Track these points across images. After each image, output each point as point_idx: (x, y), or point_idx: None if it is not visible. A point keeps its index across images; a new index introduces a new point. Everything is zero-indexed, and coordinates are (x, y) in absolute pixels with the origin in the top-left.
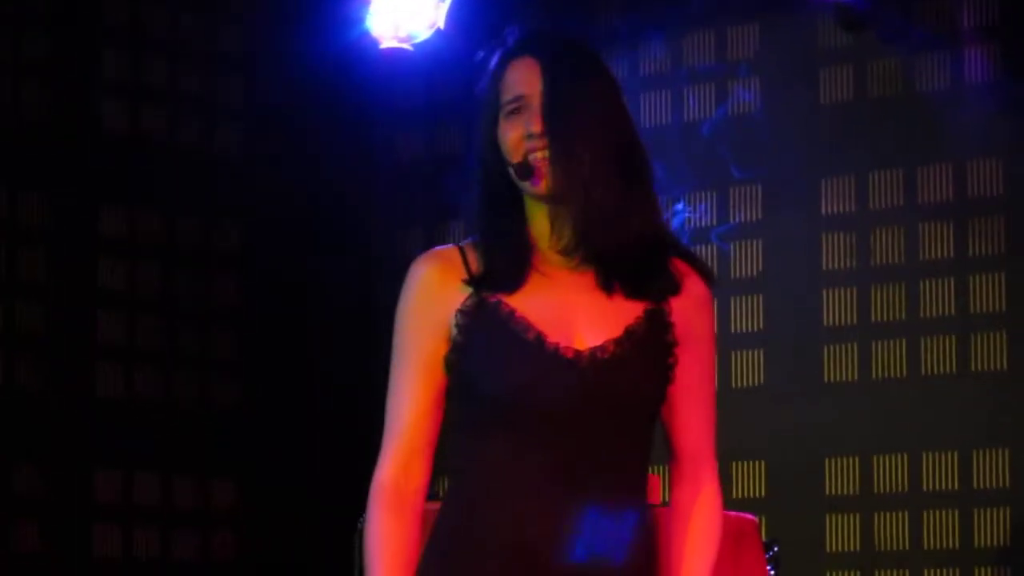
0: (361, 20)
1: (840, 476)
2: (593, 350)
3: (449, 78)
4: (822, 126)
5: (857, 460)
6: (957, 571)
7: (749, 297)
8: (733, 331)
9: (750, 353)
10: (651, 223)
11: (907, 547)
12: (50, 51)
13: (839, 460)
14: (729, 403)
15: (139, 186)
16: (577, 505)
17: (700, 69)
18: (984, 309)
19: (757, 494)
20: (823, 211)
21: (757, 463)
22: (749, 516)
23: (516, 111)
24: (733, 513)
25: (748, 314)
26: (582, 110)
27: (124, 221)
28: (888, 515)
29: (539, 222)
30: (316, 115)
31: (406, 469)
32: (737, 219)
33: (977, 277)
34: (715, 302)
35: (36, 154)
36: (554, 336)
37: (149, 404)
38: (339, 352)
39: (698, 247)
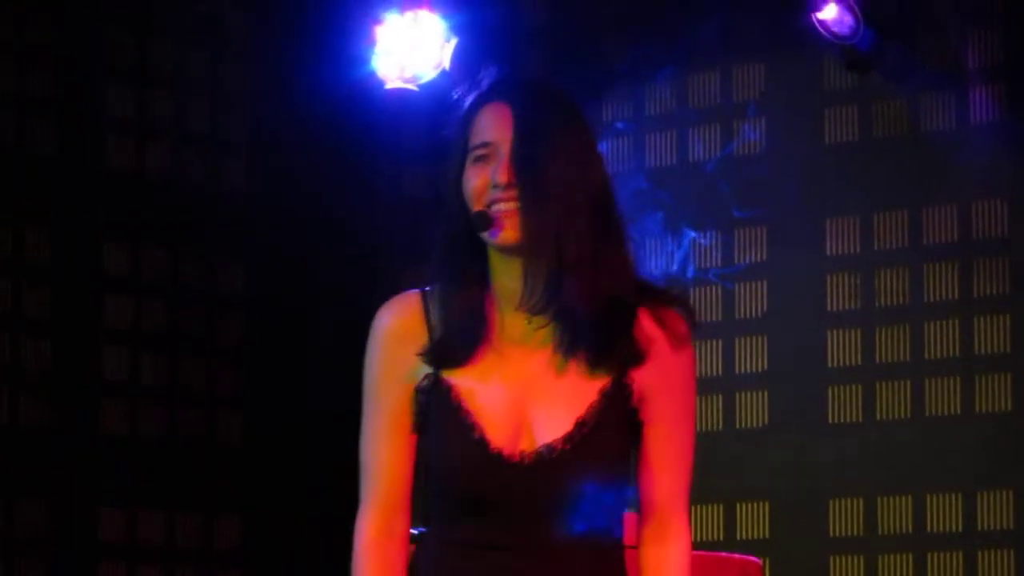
0: (367, 60)
1: (844, 517)
2: (539, 451)
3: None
4: (827, 166)
5: (861, 501)
6: None
7: (753, 337)
8: (737, 371)
9: (754, 394)
10: (624, 278)
11: None
12: (55, 88)
13: (843, 501)
14: (733, 444)
15: (144, 223)
16: None
17: (705, 109)
18: (989, 350)
19: (761, 535)
20: (828, 251)
21: (761, 504)
22: (754, 559)
23: (483, 158)
24: (737, 556)
25: (752, 354)
26: (553, 161)
27: (128, 258)
28: (892, 556)
29: (503, 277)
30: (321, 154)
31: (389, 525)
32: (742, 259)
33: (981, 318)
34: (694, 344)
35: (41, 191)
36: (500, 435)
37: (153, 441)
38: (343, 389)
39: (702, 287)
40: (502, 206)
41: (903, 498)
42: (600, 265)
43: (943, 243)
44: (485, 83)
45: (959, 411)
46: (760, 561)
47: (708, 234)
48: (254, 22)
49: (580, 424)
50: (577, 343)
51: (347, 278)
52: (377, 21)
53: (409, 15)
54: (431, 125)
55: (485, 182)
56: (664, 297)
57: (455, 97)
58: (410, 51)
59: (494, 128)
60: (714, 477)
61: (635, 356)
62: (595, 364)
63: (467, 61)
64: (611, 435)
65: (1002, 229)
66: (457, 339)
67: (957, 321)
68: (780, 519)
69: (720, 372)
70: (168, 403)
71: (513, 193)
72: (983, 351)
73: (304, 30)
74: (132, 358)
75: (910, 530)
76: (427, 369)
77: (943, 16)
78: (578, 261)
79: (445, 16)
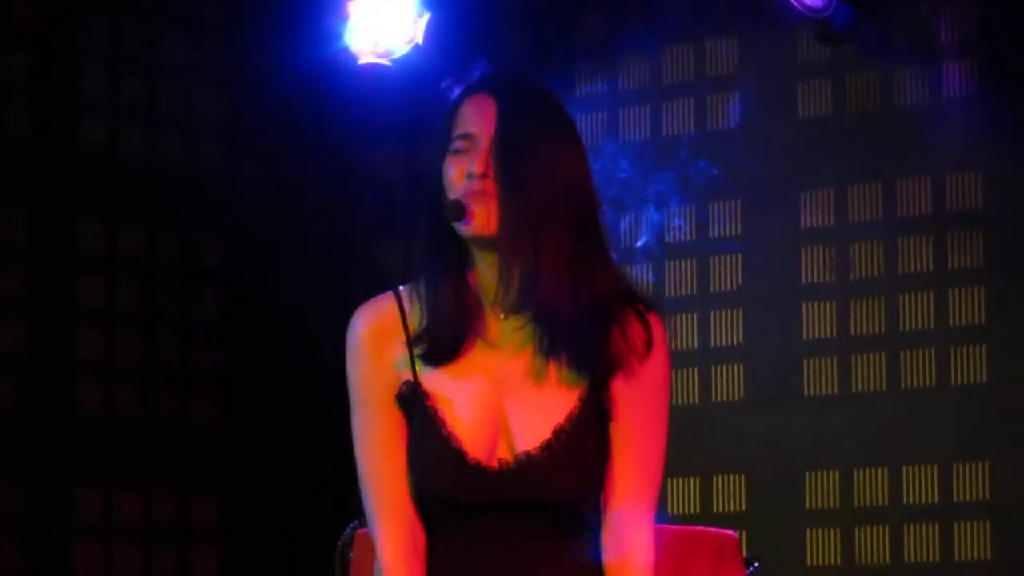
0: (340, 36)
1: (820, 490)
2: (518, 458)
3: (428, 94)
4: (801, 140)
5: (838, 474)
6: None
7: (728, 311)
8: (713, 345)
9: (729, 367)
10: (603, 284)
11: (888, 561)
12: (28, 68)
13: (819, 474)
14: (708, 417)
15: (119, 203)
16: None
17: (678, 84)
18: (964, 322)
19: (737, 508)
20: (802, 225)
21: (737, 477)
22: (730, 533)
23: (462, 150)
24: (714, 530)
25: (727, 328)
26: (532, 155)
27: (104, 238)
28: (869, 529)
29: (484, 271)
30: (294, 130)
31: (412, 542)
32: (716, 233)
33: (956, 291)
34: (669, 350)
35: (15, 172)
36: (478, 444)
37: (129, 420)
38: (320, 368)
39: (676, 261)
40: (477, 197)
41: (879, 470)
42: (579, 268)
43: (918, 216)
44: (474, 75)
45: (935, 383)
46: (736, 535)
47: (682, 208)
48: None
49: (558, 431)
50: (555, 347)
51: (321, 255)
52: None
53: None
54: (404, 101)
55: (462, 172)
56: (642, 304)
57: (443, 87)
58: (383, 26)
59: (476, 120)
60: (690, 451)
61: (614, 363)
62: (573, 369)
63: (440, 36)
64: (589, 442)
65: (977, 202)
66: (437, 337)
67: (932, 293)
68: (756, 492)
69: (696, 346)
70: (144, 382)
71: (489, 183)
72: (958, 323)
73: (276, 5)
74: (107, 337)
75: (886, 502)
76: (406, 373)
77: None
78: (555, 260)
79: None
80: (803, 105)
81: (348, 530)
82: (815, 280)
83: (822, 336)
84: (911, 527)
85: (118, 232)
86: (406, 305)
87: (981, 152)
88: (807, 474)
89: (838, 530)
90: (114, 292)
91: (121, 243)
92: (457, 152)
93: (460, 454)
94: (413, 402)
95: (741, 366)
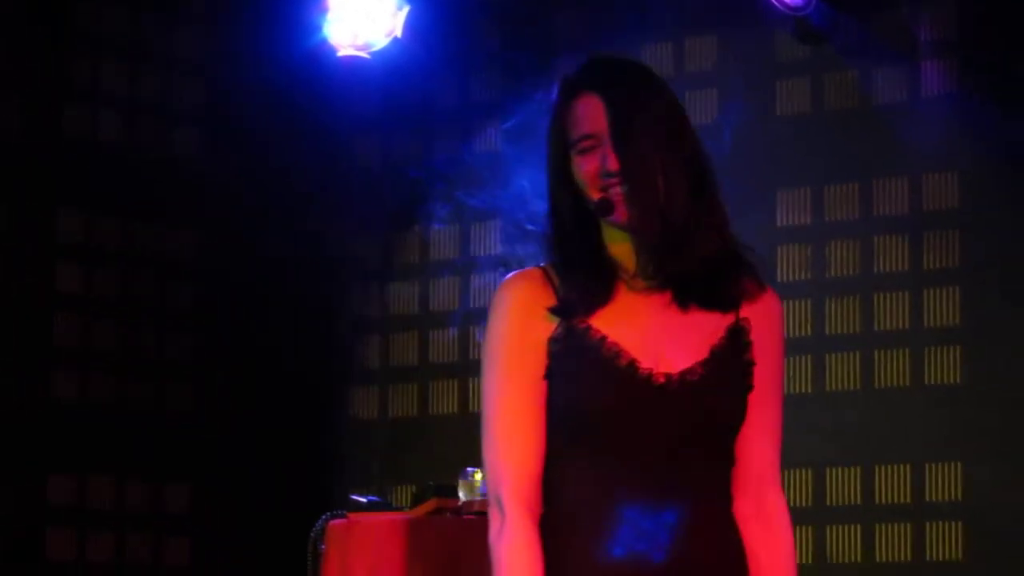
0: (319, 28)
1: (794, 488)
2: (682, 373)
3: (406, 86)
4: (779, 138)
5: (810, 473)
6: None
7: None
8: None
9: None
10: (723, 232)
11: (860, 560)
12: (8, 55)
13: (793, 472)
14: None
15: (97, 190)
16: (668, 526)
17: None
18: (938, 323)
19: None
20: (779, 222)
21: None
22: None
23: (588, 148)
24: None
25: None
26: (648, 140)
27: (81, 225)
28: (841, 528)
29: (617, 247)
30: (274, 121)
31: (533, 510)
32: None
33: (932, 291)
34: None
35: None
36: (645, 362)
37: (104, 407)
38: (296, 356)
39: None
40: (616, 190)
41: (852, 470)
42: (702, 225)
43: (894, 215)
44: (571, 76)
45: (908, 383)
46: None
47: None
48: None
49: (714, 351)
50: (691, 295)
51: (298, 245)
52: None
53: None
54: (383, 93)
55: (596, 169)
56: (756, 271)
57: (552, 94)
58: (362, 19)
59: (590, 119)
60: None
61: (748, 300)
62: (713, 308)
63: (420, 29)
64: (737, 375)
65: (952, 202)
66: (588, 288)
67: (907, 293)
68: None
69: None
70: (119, 369)
71: (622, 178)
72: (933, 323)
73: None
74: (83, 324)
75: (859, 501)
76: (559, 325)
77: None
78: (684, 227)
79: None
80: (781, 103)
81: (320, 522)
82: (791, 278)
83: (797, 335)
84: (883, 527)
85: (95, 220)
86: (551, 274)
87: (958, 152)
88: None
89: (810, 529)
90: (90, 280)
91: (98, 231)
92: (584, 151)
93: (633, 364)
94: (571, 337)
95: None
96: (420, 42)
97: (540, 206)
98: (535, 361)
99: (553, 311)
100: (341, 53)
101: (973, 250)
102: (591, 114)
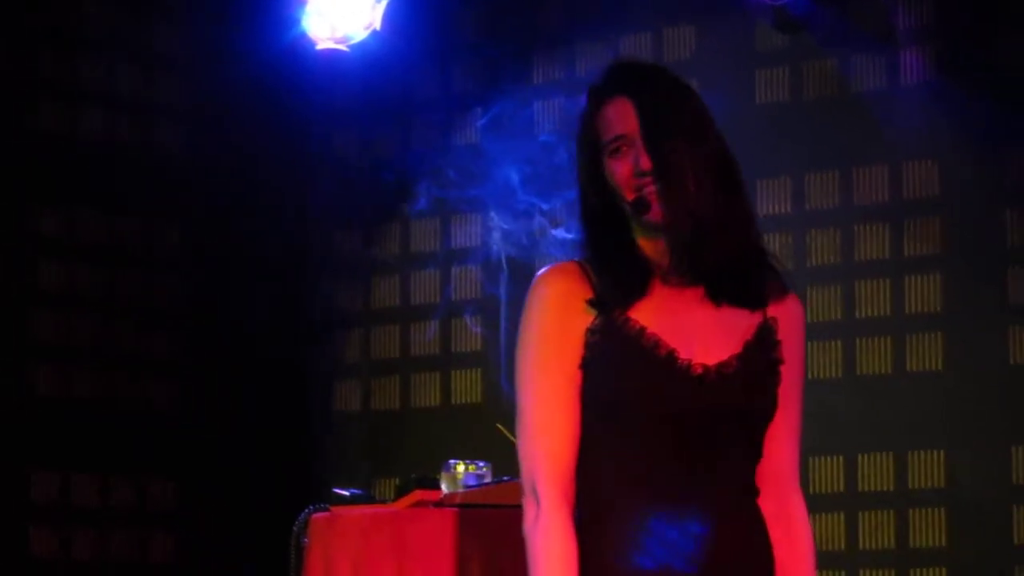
0: (298, 21)
1: None
2: (719, 365)
3: (385, 79)
4: (758, 127)
5: None
6: (893, 572)
7: None
8: None
9: None
10: (751, 228)
11: (843, 547)
12: None
13: None
14: None
15: (77, 186)
16: (698, 514)
17: None
18: (920, 310)
19: None
20: (759, 212)
21: None
22: None
23: (619, 149)
24: None
25: None
26: (679, 141)
27: (62, 221)
28: (824, 516)
29: (649, 245)
30: (253, 115)
31: (569, 500)
32: None
33: (913, 278)
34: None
35: None
36: (683, 352)
37: (87, 404)
38: (278, 352)
39: None
40: (650, 188)
41: (835, 458)
42: (731, 222)
43: (874, 204)
44: (600, 80)
45: (890, 371)
46: None
47: None
48: None
49: (748, 346)
50: (722, 291)
51: (279, 239)
52: None
53: None
54: (362, 86)
55: (629, 170)
56: (779, 272)
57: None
58: (341, 12)
59: (622, 122)
60: None
61: (776, 299)
62: (744, 305)
63: (398, 22)
64: (768, 371)
65: (933, 189)
66: (626, 282)
67: (888, 281)
68: None
69: None
70: (102, 366)
71: (655, 176)
72: (914, 311)
73: None
74: (66, 321)
75: (842, 489)
76: (596, 318)
77: None
78: (714, 224)
79: None
80: (760, 92)
81: (303, 515)
82: None
83: None
84: (866, 514)
85: (77, 215)
86: (587, 269)
87: (938, 140)
88: None
89: None
90: (72, 275)
91: (80, 227)
92: (616, 152)
93: (672, 354)
94: (609, 328)
95: None
96: (399, 34)
97: (522, 199)
98: (572, 352)
99: (592, 303)
100: (320, 46)
101: (954, 237)
102: (622, 116)
